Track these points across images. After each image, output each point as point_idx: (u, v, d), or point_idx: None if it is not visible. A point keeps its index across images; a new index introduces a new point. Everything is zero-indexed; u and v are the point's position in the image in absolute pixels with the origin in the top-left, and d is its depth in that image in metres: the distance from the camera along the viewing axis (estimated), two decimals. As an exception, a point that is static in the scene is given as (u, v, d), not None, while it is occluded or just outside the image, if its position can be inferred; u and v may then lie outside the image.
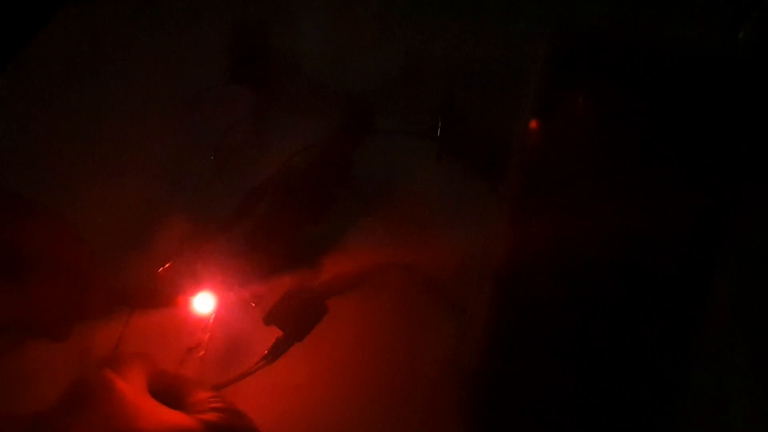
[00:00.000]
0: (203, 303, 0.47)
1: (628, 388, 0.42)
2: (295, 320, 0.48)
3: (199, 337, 0.46)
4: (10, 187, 0.51)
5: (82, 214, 0.52)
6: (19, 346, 0.45)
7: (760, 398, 0.41)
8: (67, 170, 0.56)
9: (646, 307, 0.43)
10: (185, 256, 0.50)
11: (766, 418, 0.40)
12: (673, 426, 0.42)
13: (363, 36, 0.59)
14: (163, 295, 0.47)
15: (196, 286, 0.48)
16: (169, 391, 0.37)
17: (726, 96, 0.44)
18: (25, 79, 0.61)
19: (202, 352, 0.46)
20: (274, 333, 0.48)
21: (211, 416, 0.34)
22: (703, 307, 0.42)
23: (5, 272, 0.37)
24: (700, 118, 0.44)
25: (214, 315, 0.47)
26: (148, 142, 0.57)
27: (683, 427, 0.42)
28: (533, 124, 0.45)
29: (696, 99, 0.44)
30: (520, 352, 0.43)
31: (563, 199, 0.44)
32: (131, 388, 0.34)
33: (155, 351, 0.43)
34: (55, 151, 0.57)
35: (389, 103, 0.57)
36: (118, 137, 0.58)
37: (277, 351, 0.48)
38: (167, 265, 0.50)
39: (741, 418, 0.41)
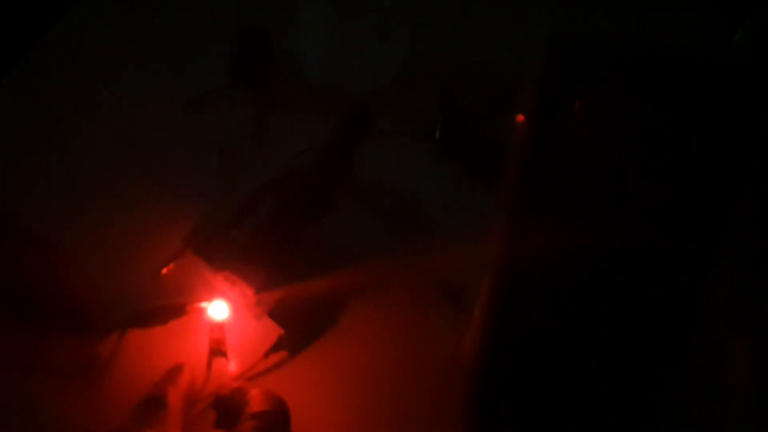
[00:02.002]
0: (217, 310, 0.48)
1: (626, 387, 0.42)
2: (296, 319, 0.49)
3: (215, 337, 0.47)
4: (12, 187, 0.52)
5: (84, 215, 0.53)
6: (23, 379, 0.45)
7: (757, 398, 0.41)
8: (68, 172, 0.56)
9: (644, 307, 0.43)
10: (187, 257, 0.51)
11: (763, 418, 0.40)
12: (670, 425, 0.42)
13: (363, 38, 0.60)
14: (172, 309, 0.49)
15: (206, 294, 0.49)
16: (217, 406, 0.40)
17: (723, 97, 0.44)
18: (28, 82, 0.61)
19: (225, 351, 0.47)
20: (278, 333, 0.49)
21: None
22: (700, 307, 0.42)
23: (12, 309, 0.37)
24: (698, 120, 0.44)
25: (228, 320, 0.48)
26: (151, 145, 0.58)
27: (680, 426, 0.42)
28: (532, 125, 0.45)
29: (693, 101, 0.44)
30: (519, 352, 0.43)
31: (562, 200, 0.44)
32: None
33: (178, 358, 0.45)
34: (56, 152, 0.57)
35: (389, 105, 0.57)
36: (121, 140, 0.58)
37: (278, 350, 0.48)
38: (170, 266, 0.51)
39: (738, 418, 0.41)
